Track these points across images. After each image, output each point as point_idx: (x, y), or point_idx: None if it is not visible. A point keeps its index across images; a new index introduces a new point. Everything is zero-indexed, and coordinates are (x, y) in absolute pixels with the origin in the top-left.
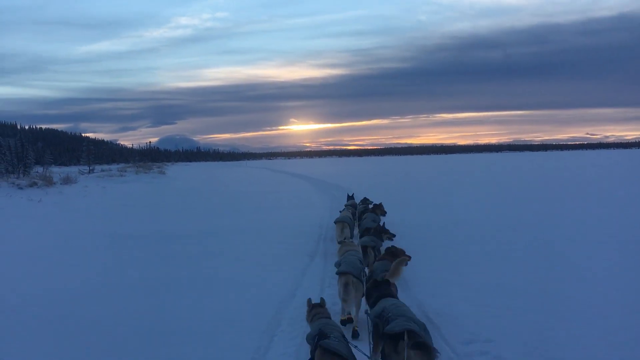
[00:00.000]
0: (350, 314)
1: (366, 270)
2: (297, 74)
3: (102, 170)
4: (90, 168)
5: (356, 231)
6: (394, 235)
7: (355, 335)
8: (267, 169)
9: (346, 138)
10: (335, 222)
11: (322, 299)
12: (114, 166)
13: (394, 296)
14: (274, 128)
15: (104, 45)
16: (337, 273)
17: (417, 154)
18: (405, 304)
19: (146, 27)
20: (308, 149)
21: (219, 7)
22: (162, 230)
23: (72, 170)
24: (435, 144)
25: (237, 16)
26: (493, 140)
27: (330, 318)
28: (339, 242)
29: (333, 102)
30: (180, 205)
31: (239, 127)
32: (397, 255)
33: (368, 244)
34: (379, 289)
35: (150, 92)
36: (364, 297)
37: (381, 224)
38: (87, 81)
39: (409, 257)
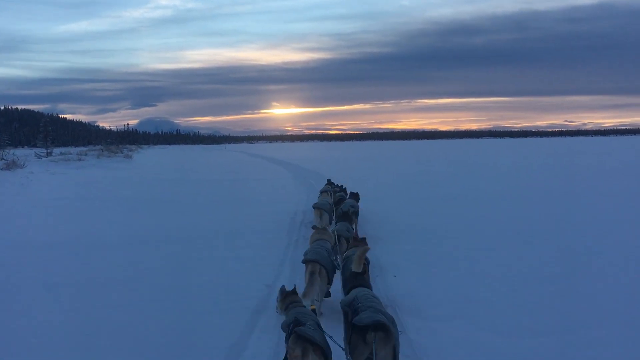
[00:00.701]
0: (313, 304)
1: (339, 259)
2: (279, 58)
3: (62, 154)
4: (48, 151)
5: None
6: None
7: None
8: (245, 153)
9: (328, 122)
10: (313, 207)
11: (295, 286)
12: (81, 149)
13: (369, 287)
14: (255, 112)
15: (83, 25)
16: (303, 261)
17: (398, 139)
18: (376, 296)
19: (126, 6)
20: (290, 133)
21: None
22: (85, 236)
23: (29, 153)
24: (417, 129)
25: None
26: (474, 126)
27: (304, 306)
28: (313, 228)
29: (315, 86)
30: (131, 199)
31: (221, 110)
32: (364, 243)
33: (342, 234)
34: (355, 280)
35: (130, 73)
36: (342, 287)
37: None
38: (65, 61)
39: (368, 247)
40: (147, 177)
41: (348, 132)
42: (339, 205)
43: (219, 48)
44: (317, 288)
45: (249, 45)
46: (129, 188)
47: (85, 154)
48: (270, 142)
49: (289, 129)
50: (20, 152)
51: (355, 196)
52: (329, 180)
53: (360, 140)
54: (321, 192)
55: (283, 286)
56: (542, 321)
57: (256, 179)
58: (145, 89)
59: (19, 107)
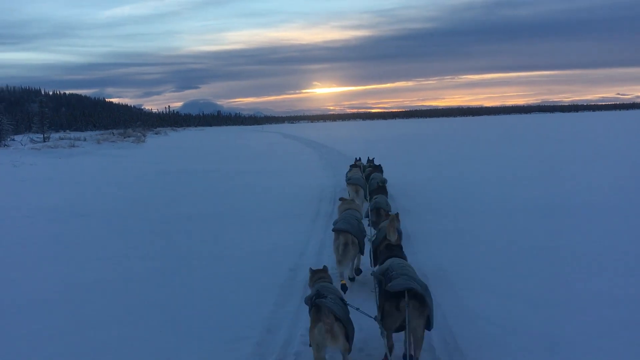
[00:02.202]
0: (342, 278)
1: (371, 231)
2: (319, 36)
3: (61, 139)
4: (46, 136)
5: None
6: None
7: (344, 288)
8: (280, 133)
9: (370, 101)
10: (348, 183)
11: (324, 265)
12: (107, 132)
13: (404, 258)
14: (297, 91)
15: (127, 10)
16: (333, 230)
17: (442, 116)
18: (411, 266)
19: None
20: (331, 112)
21: None
22: None
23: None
24: (461, 105)
25: None
26: (521, 101)
27: (331, 283)
28: (340, 200)
29: (356, 64)
30: (64, 211)
31: (263, 91)
32: (391, 220)
33: (382, 206)
34: (390, 251)
35: (173, 56)
36: (372, 258)
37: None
38: (110, 46)
39: (397, 216)
40: (141, 168)
41: (391, 110)
42: (368, 179)
43: (259, 28)
44: (350, 257)
45: (289, 25)
46: (91, 187)
47: (85, 139)
48: (312, 122)
49: (331, 108)
50: (22, 138)
51: (378, 169)
52: (356, 159)
53: (403, 118)
54: (351, 166)
55: (310, 267)
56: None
57: (272, 170)
58: (188, 71)
59: (67, 91)
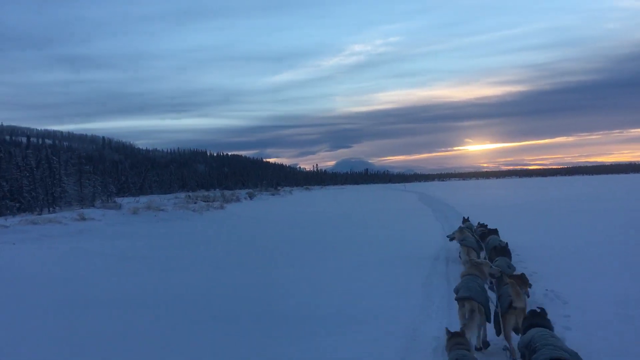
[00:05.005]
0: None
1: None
2: (472, 93)
3: (145, 203)
4: (136, 199)
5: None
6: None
7: None
8: (419, 193)
9: (527, 157)
10: (461, 244)
11: (462, 328)
12: (199, 193)
13: (549, 327)
14: (448, 149)
15: (286, 76)
16: (456, 299)
17: (610, 172)
18: (556, 335)
19: (323, 56)
20: (485, 170)
21: (392, 33)
22: None
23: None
24: (633, 161)
25: (410, 39)
26: None
27: (469, 350)
28: (464, 264)
29: (511, 120)
30: None
31: (413, 149)
32: (523, 281)
33: (504, 270)
34: (532, 318)
35: (327, 117)
36: (497, 327)
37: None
38: (270, 110)
39: (514, 281)
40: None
41: (550, 166)
42: (482, 241)
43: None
44: (476, 324)
45: (440, 83)
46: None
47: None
48: (463, 180)
49: (484, 165)
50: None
51: (495, 232)
52: (464, 219)
53: (564, 175)
54: (461, 228)
55: (446, 328)
56: None
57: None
58: (341, 131)
59: (230, 152)
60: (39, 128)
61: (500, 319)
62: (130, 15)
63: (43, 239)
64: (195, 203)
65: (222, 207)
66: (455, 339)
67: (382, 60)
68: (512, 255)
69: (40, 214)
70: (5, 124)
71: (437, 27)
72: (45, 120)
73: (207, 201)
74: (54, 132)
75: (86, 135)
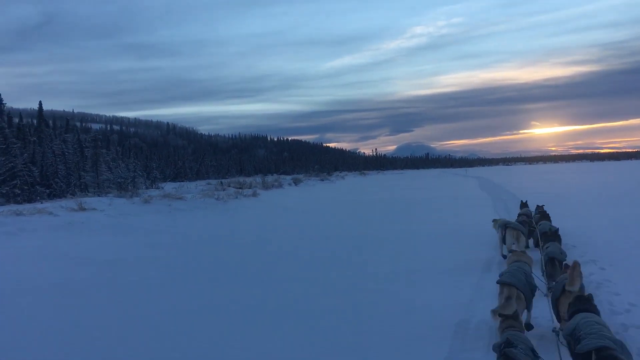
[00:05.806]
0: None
1: (545, 283)
2: (538, 74)
3: (174, 189)
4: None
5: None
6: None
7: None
8: (483, 178)
9: (598, 140)
10: (507, 227)
11: (516, 311)
12: (269, 178)
13: (594, 311)
14: (513, 132)
15: (347, 60)
16: (498, 282)
17: None
18: (602, 322)
19: (384, 39)
20: (553, 154)
21: (455, 13)
22: None
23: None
24: None
25: (473, 20)
26: None
27: (523, 332)
28: (510, 251)
29: (581, 102)
30: None
31: (477, 133)
32: (573, 267)
33: (556, 256)
34: (578, 304)
35: (388, 101)
36: (553, 313)
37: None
38: (331, 94)
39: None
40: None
41: (624, 149)
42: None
43: (473, 70)
44: (510, 310)
45: (504, 65)
46: None
47: (185, 195)
48: (529, 164)
49: (552, 148)
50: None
51: (546, 217)
52: (522, 202)
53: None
54: (519, 214)
55: (492, 310)
56: None
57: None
58: (402, 115)
59: (290, 137)
60: (107, 114)
61: (554, 303)
62: (193, 3)
63: (10, 235)
64: (224, 190)
65: (254, 195)
66: (508, 322)
67: (444, 42)
68: (566, 242)
69: (66, 199)
70: (76, 110)
71: (501, 7)
72: (114, 107)
73: (240, 188)
74: (121, 118)
75: (152, 121)
